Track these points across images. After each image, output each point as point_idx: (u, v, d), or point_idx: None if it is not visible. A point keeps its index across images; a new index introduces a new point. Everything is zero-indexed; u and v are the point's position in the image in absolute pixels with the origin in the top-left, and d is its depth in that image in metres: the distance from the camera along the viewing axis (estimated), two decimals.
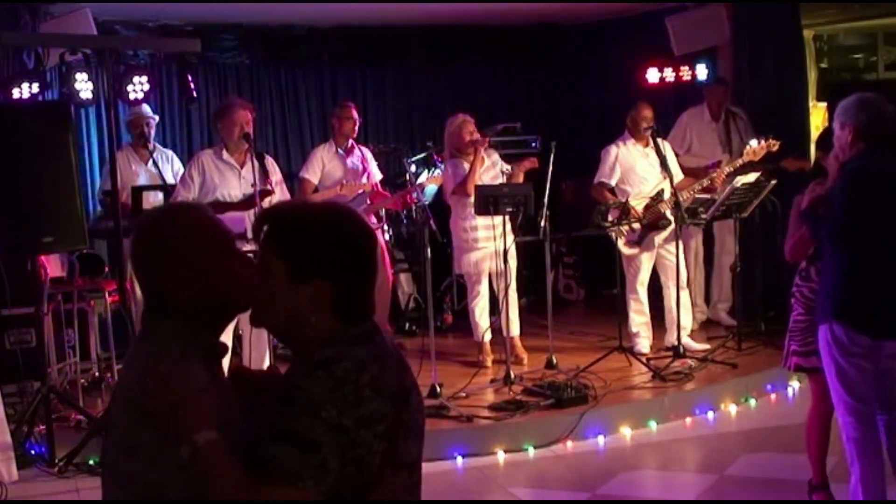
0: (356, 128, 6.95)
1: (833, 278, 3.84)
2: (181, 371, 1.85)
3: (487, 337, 6.64)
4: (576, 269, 8.93)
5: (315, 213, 1.98)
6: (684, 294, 6.58)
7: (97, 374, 6.28)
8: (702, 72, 7.61)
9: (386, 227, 7.47)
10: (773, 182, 6.31)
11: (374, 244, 1.99)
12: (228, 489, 1.76)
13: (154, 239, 1.99)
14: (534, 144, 8.33)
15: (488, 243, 6.35)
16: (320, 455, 1.76)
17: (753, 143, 6.36)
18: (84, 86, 5.87)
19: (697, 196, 6.45)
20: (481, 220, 6.26)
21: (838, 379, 3.81)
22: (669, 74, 7.63)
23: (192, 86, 5.88)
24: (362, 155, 6.98)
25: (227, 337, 5.80)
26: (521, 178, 6.44)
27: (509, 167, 6.55)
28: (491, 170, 6.50)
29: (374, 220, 6.87)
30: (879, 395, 3.87)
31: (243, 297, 1.99)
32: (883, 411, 3.88)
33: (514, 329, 6.67)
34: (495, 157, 6.63)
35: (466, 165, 6.42)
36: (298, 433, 1.76)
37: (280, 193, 6.01)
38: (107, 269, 6.46)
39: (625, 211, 6.37)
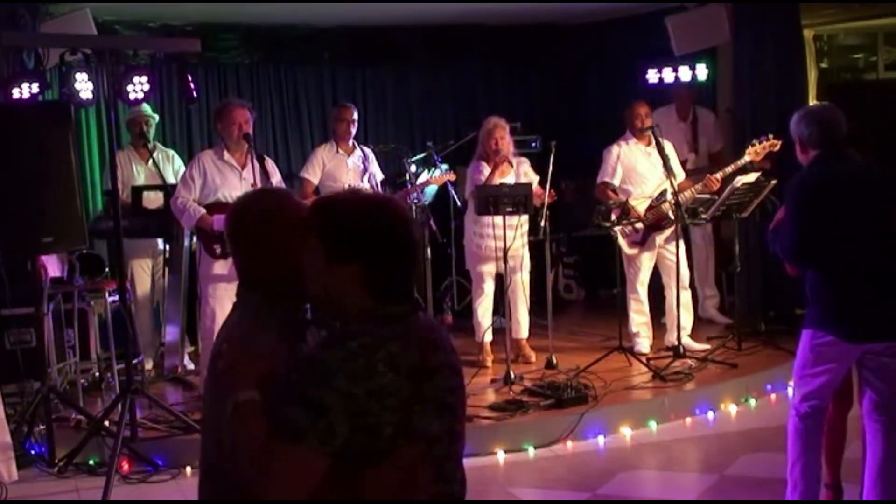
0: (350, 129, 6.86)
1: (811, 287, 3.95)
2: (249, 338, 2.09)
3: (488, 338, 6.64)
4: (576, 269, 8.93)
5: (355, 202, 2.14)
6: (685, 294, 6.59)
7: (97, 374, 6.28)
8: (702, 72, 7.62)
9: None
10: (774, 182, 6.31)
11: (411, 231, 2.12)
12: (248, 443, 1.95)
13: (240, 218, 2.29)
14: (534, 144, 8.34)
15: (498, 244, 6.30)
16: (327, 419, 1.89)
17: (755, 142, 6.34)
18: (84, 86, 5.87)
19: (698, 196, 6.45)
20: (495, 220, 6.16)
21: (798, 378, 4.02)
22: (669, 74, 7.63)
23: (193, 86, 5.87)
24: (364, 155, 6.96)
25: None
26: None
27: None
28: (514, 180, 6.47)
29: None
30: (870, 398, 3.96)
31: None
32: (879, 414, 3.93)
33: (523, 332, 6.68)
34: (524, 167, 6.60)
35: (487, 170, 6.43)
36: (309, 397, 1.90)
37: None
38: (107, 269, 6.46)
39: (625, 211, 6.37)
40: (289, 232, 2.19)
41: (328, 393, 1.90)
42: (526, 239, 6.55)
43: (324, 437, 1.89)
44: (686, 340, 6.52)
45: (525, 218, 6.38)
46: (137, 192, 6.52)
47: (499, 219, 6.11)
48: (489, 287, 6.60)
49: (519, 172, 6.53)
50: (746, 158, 6.30)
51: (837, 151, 3.89)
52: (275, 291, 2.22)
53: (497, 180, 6.37)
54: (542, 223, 6.33)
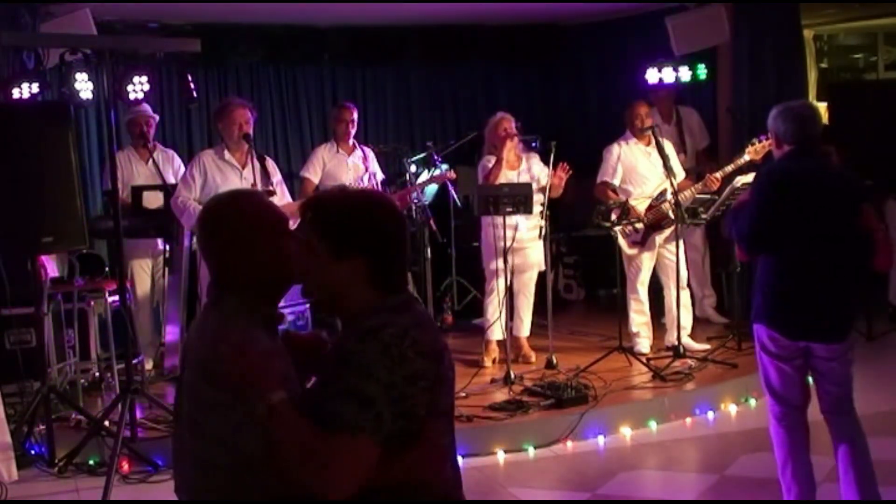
0: (350, 129, 6.87)
1: (757, 279, 3.97)
2: (250, 338, 2.11)
3: (492, 336, 6.61)
4: (576, 269, 8.92)
5: (352, 199, 2.24)
6: (685, 294, 6.59)
7: (97, 374, 6.28)
8: (702, 71, 7.62)
9: None
10: None
11: (404, 225, 2.24)
12: (296, 442, 2.00)
13: (220, 221, 2.29)
14: (534, 144, 8.32)
15: (510, 241, 6.24)
16: (376, 408, 1.99)
17: (755, 141, 6.33)
18: (84, 86, 5.87)
19: (698, 196, 6.45)
20: (508, 218, 6.15)
21: (763, 380, 4.03)
22: (669, 74, 7.63)
23: (193, 86, 5.87)
24: (364, 154, 6.97)
25: None
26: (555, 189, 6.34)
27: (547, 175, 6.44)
28: (524, 174, 6.45)
29: None
30: (823, 399, 3.99)
31: (295, 273, 2.23)
32: (837, 414, 3.97)
33: (524, 330, 6.68)
34: (533, 160, 6.58)
35: (493, 160, 6.41)
36: (356, 390, 2.00)
37: (280, 194, 6.01)
38: (107, 269, 6.46)
39: (625, 211, 6.37)
40: (272, 232, 2.26)
41: (372, 384, 1.99)
42: (536, 234, 6.53)
43: (375, 426, 1.99)
44: (686, 340, 6.52)
45: (535, 213, 6.36)
46: (137, 192, 6.52)
47: (511, 217, 6.12)
48: (501, 284, 6.57)
49: (529, 166, 6.52)
50: (746, 157, 6.29)
51: (811, 149, 3.90)
52: (256, 292, 2.25)
53: (506, 173, 6.36)
54: (543, 223, 6.33)
